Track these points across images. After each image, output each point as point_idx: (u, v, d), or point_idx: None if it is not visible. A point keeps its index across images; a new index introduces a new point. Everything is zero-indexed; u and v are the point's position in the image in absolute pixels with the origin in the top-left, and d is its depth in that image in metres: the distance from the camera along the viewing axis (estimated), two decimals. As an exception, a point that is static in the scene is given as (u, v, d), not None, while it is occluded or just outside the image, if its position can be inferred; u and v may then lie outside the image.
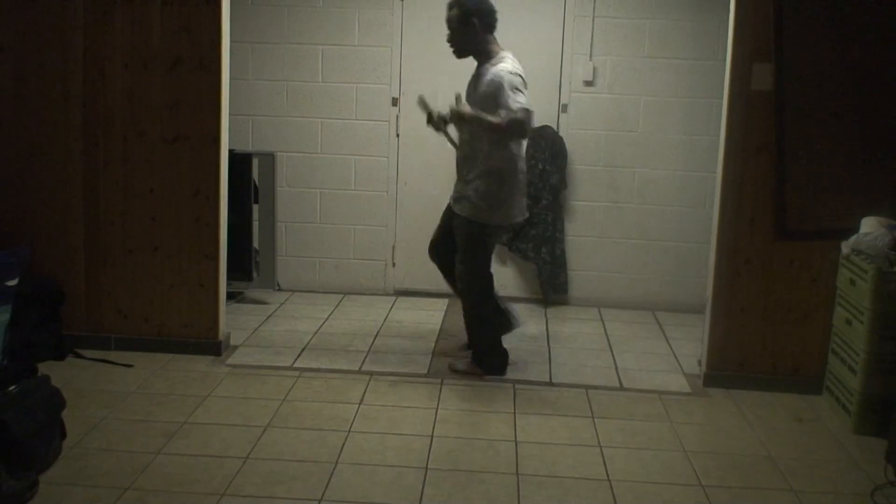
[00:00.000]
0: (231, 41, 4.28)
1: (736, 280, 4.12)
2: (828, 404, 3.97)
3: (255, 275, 5.36)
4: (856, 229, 3.85)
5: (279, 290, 5.59)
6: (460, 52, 4.16)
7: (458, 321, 4.85)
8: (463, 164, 4.19)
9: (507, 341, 4.40)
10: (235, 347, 4.49)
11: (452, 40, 4.13)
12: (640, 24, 5.41)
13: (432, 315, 5.26)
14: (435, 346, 4.67)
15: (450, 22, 4.11)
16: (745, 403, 3.98)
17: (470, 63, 4.19)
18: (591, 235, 5.60)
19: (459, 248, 4.21)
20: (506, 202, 4.10)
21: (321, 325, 4.99)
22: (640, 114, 5.47)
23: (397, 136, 5.58)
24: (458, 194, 4.20)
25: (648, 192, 5.53)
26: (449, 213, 4.33)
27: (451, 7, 4.11)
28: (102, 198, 4.26)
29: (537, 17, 5.44)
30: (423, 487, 3.05)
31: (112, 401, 3.72)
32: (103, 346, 4.31)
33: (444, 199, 5.36)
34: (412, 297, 5.65)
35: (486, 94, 3.99)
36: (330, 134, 5.60)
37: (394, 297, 5.66)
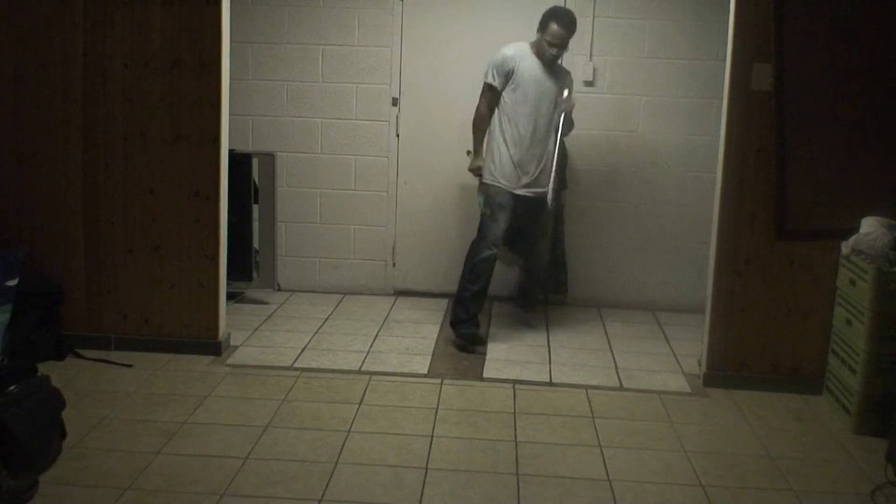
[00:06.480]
0: (231, 41, 4.28)
1: (736, 280, 4.12)
2: (828, 404, 3.97)
3: (255, 275, 5.35)
4: (856, 229, 3.85)
5: (279, 290, 5.59)
6: None
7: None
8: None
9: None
10: (235, 347, 4.49)
11: None
12: (640, 25, 5.40)
13: (432, 315, 5.26)
14: (435, 347, 4.67)
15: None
16: (745, 403, 3.98)
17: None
18: (591, 235, 5.60)
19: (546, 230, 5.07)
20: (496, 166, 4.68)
21: (321, 325, 4.99)
22: (640, 114, 5.47)
23: (397, 136, 5.58)
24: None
25: (648, 192, 5.53)
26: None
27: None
28: (102, 198, 4.26)
29: (537, 17, 5.43)
30: (423, 487, 3.05)
31: (112, 401, 3.72)
32: (103, 346, 4.31)
33: (444, 199, 5.37)
34: (412, 297, 5.64)
35: None
36: (330, 134, 5.60)
37: (394, 297, 5.65)
